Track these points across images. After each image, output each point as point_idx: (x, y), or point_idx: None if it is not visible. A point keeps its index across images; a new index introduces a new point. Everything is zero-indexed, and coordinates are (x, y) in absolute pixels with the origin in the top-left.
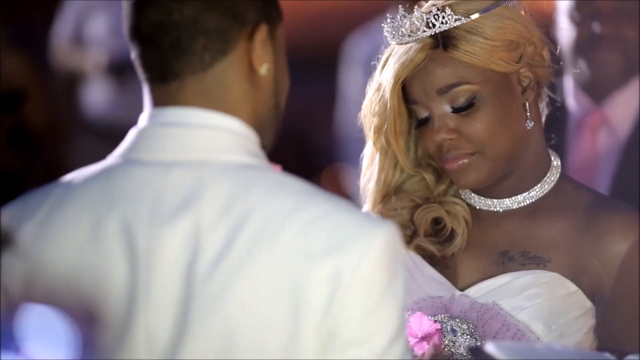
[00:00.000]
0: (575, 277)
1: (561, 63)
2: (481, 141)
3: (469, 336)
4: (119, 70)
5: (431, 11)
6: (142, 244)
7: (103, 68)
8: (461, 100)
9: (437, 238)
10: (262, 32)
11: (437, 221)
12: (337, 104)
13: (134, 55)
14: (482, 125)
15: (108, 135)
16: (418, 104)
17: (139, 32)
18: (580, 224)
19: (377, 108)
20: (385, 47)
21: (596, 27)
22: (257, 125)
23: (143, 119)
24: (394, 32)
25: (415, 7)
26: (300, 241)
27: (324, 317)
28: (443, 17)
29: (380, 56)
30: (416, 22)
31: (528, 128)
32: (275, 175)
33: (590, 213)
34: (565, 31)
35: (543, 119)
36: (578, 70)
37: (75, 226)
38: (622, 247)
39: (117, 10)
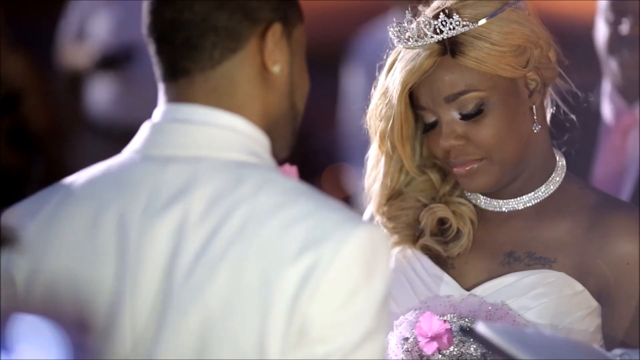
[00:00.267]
0: (581, 277)
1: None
2: (489, 147)
3: None
4: (119, 65)
5: (439, 17)
6: (134, 238)
7: (104, 64)
8: (469, 107)
9: (443, 238)
10: (275, 32)
11: (442, 221)
12: (339, 104)
13: (150, 52)
14: (490, 131)
15: (109, 134)
16: (426, 109)
17: (154, 30)
18: (586, 224)
19: (383, 112)
20: (390, 48)
21: (627, 27)
22: (270, 125)
23: (155, 115)
24: (400, 36)
25: (420, 6)
26: (278, 239)
27: (293, 313)
28: (451, 24)
29: (385, 57)
30: (424, 27)
31: (535, 131)
32: (267, 174)
33: (596, 213)
34: (601, 32)
35: (548, 117)
36: (612, 71)
37: (76, 221)
38: (628, 248)
39: (119, 8)
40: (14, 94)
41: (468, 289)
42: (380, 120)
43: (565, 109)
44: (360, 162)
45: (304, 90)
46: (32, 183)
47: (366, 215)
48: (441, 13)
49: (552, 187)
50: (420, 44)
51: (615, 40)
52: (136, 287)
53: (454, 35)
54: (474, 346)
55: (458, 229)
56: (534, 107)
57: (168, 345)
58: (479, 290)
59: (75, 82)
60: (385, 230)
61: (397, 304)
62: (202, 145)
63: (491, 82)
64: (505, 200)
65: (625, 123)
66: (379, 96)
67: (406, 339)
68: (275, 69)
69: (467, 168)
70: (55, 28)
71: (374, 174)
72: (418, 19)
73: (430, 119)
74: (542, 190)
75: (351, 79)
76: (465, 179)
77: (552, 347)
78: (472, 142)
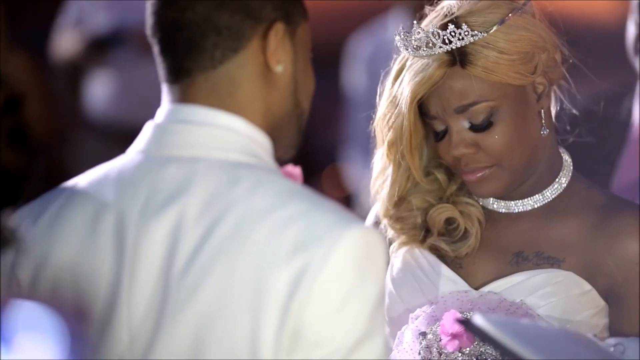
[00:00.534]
0: (589, 276)
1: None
2: (500, 155)
3: None
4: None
5: (447, 27)
6: (131, 238)
7: (96, 47)
8: (480, 118)
9: (451, 238)
10: (278, 31)
11: (450, 221)
12: (338, 103)
13: (154, 53)
14: (500, 139)
15: (107, 133)
16: (436, 119)
17: (157, 31)
18: (594, 224)
19: (391, 122)
20: (391, 50)
21: None
22: (273, 125)
23: (158, 115)
24: (407, 44)
25: (426, 8)
26: (271, 241)
27: (286, 315)
28: (460, 34)
29: (391, 63)
30: (432, 38)
31: (543, 135)
32: (263, 174)
33: (604, 213)
34: (630, 33)
35: (554, 113)
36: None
37: (78, 221)
38: (636, 248)
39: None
40: (16, 95)
41: (476, 289)
42: (389, 130)
43: (571, 110)
44: (361, 162)
45: (309, 88)
46: (32, 182)
47: (370, 218)
48: (450, 23)
49: (559, 187)
50: (428, 53)
51: None
52: (133, 286)
53: (462, 45)
54: None
55: (466, 229)
56: (542, 111)
57: (164, 343)
58: (487, 290)
59: (74, 76)
60: (390, 231)
61: (404, 303)
62: (201, 146)
63: (501, 91)
64: (513, 202)
65: None
66: (386, 104)
67: (423, 333)
68: (278, 68)
69: (478, 175)
70: (55, 28)
71: (380, 180)
72: (426, 29)
73: (440, 127)
74: (549, 191)
75: (351, 78)
76: (475, 185)
77: (548, 337)
78: (483, 150)
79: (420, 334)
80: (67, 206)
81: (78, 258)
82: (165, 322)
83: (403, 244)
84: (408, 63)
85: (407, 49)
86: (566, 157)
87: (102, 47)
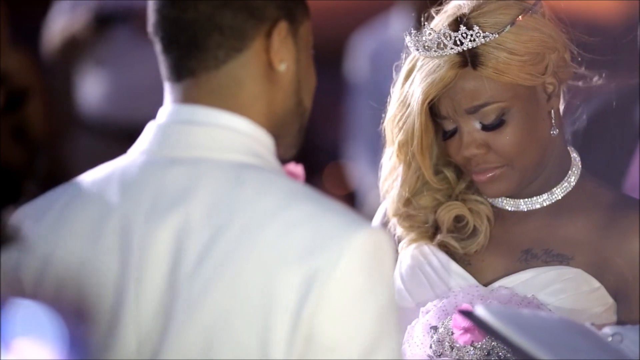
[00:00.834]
0: (598, 274)
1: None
2: (510, 155)
3: None
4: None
5: (459, 29)
6: (137, 241)
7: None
8: (491, 118)
9: (460, 235)
10: (281, 30)
11: (459, 219)
12: (340, 101)
13: (156, 51)
14: (511, 140)
15: (103, 131)
16: (446, 119)
17: (159, 29)
18: (603, 222)
19: (402, 123)
20: (402, 51)
21: None
22: (276, 124)
23: (160, 115)
24: (417, 44)
25: (433, 10)
26: (278, 245)
27: (298, 321)
28: (471, 35)
29: (394, 59)
30: (443, 39)
31: (553, 135)
32: (268, 175)
33: (613, 212)
34: None
35: (561, 109)
36: None
37: (82, 223)
38: None
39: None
40: (19, 91)
41: (485, 285)
42: (399, 130)
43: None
44: (363, 159)
45: (311, 86)
46: (34, 179)
47: (378, 216)
48: (461, 25)
49: (568, 186)
50: (439, 54)
51: None
52: (140, 291)
53: (474, 46)
54: None
55: (475, 226)
56: (551, 111)
57: (172, 349)
58: (496, 286)
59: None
60: (399, 229)
61: (413, 299)
62: (204, 147)
63: (512, 92)
64: (522, 200)
65: None
66: (397, 105)
67: (434, 327)
68: (282, 67)
69: (488, 175)
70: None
71: (390, 180)
72: (437, 29)
73: (450, 126)
74: (558, 190)
75: (353, 76)
76: (485, 186)
77: (548, 327)
78: (493, 151)
79: (431, 328)
80: (71, 206)
81: (82, 259)
82: (173, 327)
83: (412, 241)
84: (419, 63)
85: (418, 50)
86: (575, 156)
87: (101, 28)
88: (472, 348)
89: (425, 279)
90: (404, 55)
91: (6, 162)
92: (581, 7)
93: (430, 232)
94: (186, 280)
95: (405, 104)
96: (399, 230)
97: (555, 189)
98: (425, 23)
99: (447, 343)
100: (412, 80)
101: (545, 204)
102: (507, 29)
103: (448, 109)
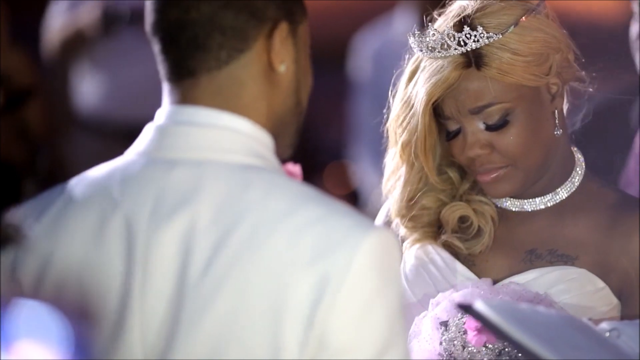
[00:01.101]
0: (602, 274)
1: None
2: (514, 156)
3: None
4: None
5: (462, 29)
6: (141, 242)
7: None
8: (495, 119)
9: (464, 236)
10: (282, 30)
11: (463, 219)
12: (340, 101)
13: (155, 51)
14: (515, 140)
15: (109, 132)
16: (450, 119)
17: (158, 29)
18: (607, 222)
19: (405, 123)
20: (404, 51)
21: None
22: (276, 124)
23: (159, 116)
24: (421, 45)
25: (435, 12)
26: (288, 248)
27: (310, 324)
28: (475, 36)
29: (396, 58)
30: (447, 39)
31: (557, 135)
32: (274, 177)
33: (616, 212)
34: (633, 31)
35: (565, 109)
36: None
37: (83, 223)
38: None
39: None
40: (21, 90)
41: None
42: (403, 131)
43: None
44: (364, 159)
45: (308, 86)
46: (35, 178)
47: (381, 216)
48: (465, 26)
49: (572, 186)
50: (443, 55)
51: None
52: (146, 294)
53: (478, 47)
54: None
55: (479, 226)
56: (555, 111)
57: (180, 354)
58: (506, 282)
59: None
60: (402, 229)
61: (417, 299)
62: (206, 148)
63: (516, 93)
64: (526, 200)
65: None
66: (400, 105)
67: (445, 323)
68: (282, 68)
69: (492, 176)
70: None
71: (392, 180)
72: (441, 30)
73: (454, 127)
74: (562, 190)
75: (355, 76)
76: (489, 186)
77: (546, 322)
78: (497, 151)
79: (441, 323)
80: (71, 206)
81: (84, 260)
82: (181, 332)
83: (416, 241)
84: (422, 64)
85: (422, 50)
86: (579, 156)
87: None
88: (484, 348)
89: (429, 279)
90: (407, 55)
91: (7, 161)
92: (581, 7)
93: (434, 232)
94: (194, 282)
95: (409, 104)
96: (402, 231)
97: (559, 189)
98: (429, 24)
99: (458, 342)
100: (416, 81)
101: (549, 204)
102: (510, 30)
103: (452, 109)
